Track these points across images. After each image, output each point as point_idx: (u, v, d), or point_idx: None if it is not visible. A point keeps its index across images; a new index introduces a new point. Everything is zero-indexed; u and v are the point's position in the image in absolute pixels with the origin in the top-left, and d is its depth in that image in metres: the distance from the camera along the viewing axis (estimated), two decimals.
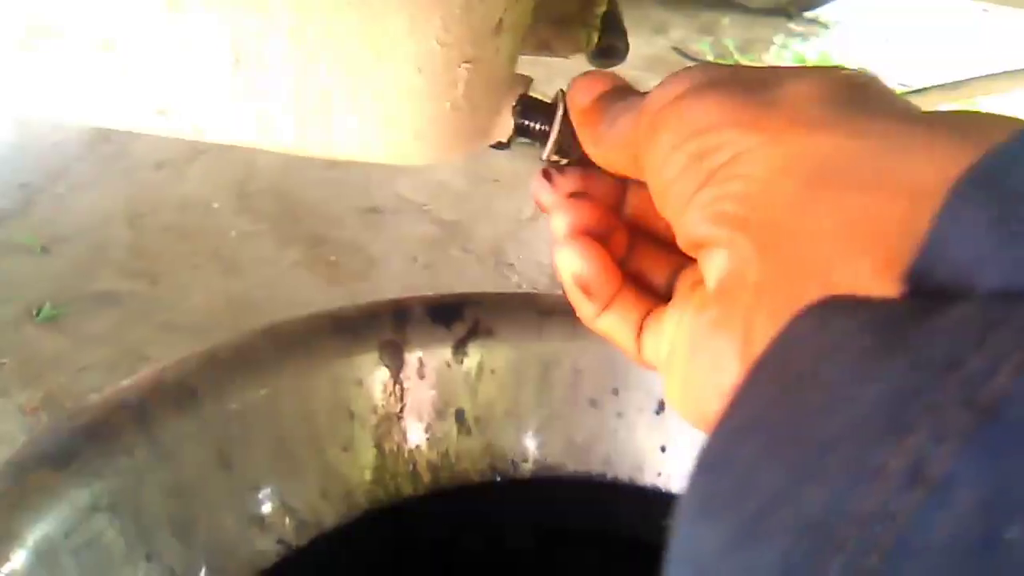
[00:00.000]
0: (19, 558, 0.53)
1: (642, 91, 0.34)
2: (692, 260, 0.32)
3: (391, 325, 0.70)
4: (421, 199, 1.91)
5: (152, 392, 0.62)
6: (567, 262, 0.35)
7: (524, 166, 2.02)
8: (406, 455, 0.71)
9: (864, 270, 0.23)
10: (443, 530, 0.73)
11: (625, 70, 0.48)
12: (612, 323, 0.35)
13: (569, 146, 0.38)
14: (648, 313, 0.35)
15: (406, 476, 0.71)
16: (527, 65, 0.43)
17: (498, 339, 0.71)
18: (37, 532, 0.54)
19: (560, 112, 0.38)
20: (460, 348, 0.71)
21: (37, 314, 1.52)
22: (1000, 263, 0.20)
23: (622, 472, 0.73)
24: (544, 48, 0.52)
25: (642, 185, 0.33)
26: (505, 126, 0.40)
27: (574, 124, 0.36)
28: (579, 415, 0.72)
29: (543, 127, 0.39)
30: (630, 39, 0.54)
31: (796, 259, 0.25)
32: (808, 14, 3.29)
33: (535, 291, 1.64)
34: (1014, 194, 0.20)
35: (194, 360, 0.65)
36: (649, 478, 0.72)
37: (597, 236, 0.35)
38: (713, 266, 0.28)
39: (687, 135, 0.29)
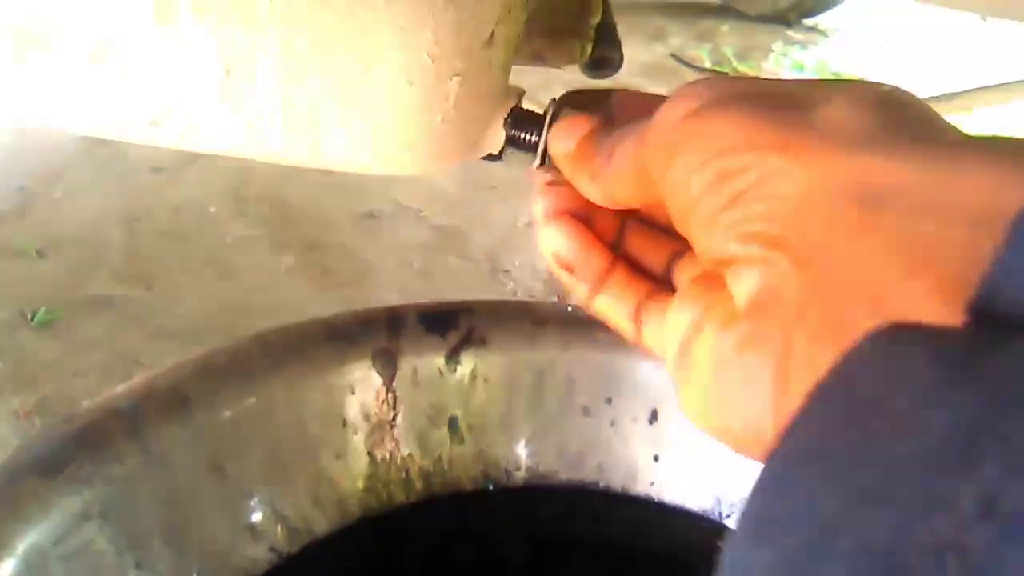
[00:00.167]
0: (8, 566, 0.53)
1: (621, 126, 0.33)
2: (689, 248, 0.31)
3: (385, 333, 0.70)
4: (417, 205, 1.91)
5: (144, 399, 0.62)
6: (547, 241, 0.36)
7: (520, 173, 2.01)
8: (399, 463, 0.71)
9: (922, 296, 0.23)
10: (436, 538, 0.73)
11: (623, 77, 0.48)
12: (607, 305, 0.35)
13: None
14: (647, 297, 0.35)
15: (399, 484, 0.71)
16: (526, 72, 0.44)
17: (492, 347, 0.72)
18: (27, 540, 0.54)
19: (548, 122, 0.38)
20: (453, 356, 0.71)
21: (32, 318, 1.52)
22: None
23: (615, 481, 0.73)
24: (538, 59, 0.52)
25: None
26: (497, 138, 0.40)
27: (563, 171, 0.36)
28: (572, 424, 0.72)
29: (534, 138, 0.39)
30: (628, 46, 0.54)
31: (841, 281, 0.25)
32: (807, 22, 3.30)
33: (530, 299, 1.64)
34: None
35: (186, 367, 0.65)
36: (642, 487, 0.72)
37: (579, 217, 0.35)
38: (743, 283, 0.27)
39: (708, 156, 0.28)
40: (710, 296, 0.30)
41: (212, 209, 1.87)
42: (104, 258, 1.70)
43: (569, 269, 0.35)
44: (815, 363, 0.25)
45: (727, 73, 2.85)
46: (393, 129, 0.36)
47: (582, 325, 0.73)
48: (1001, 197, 0.23)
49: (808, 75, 2.91)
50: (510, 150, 0.41)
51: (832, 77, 2.89)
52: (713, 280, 0.30)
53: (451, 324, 0.72)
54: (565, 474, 0.73)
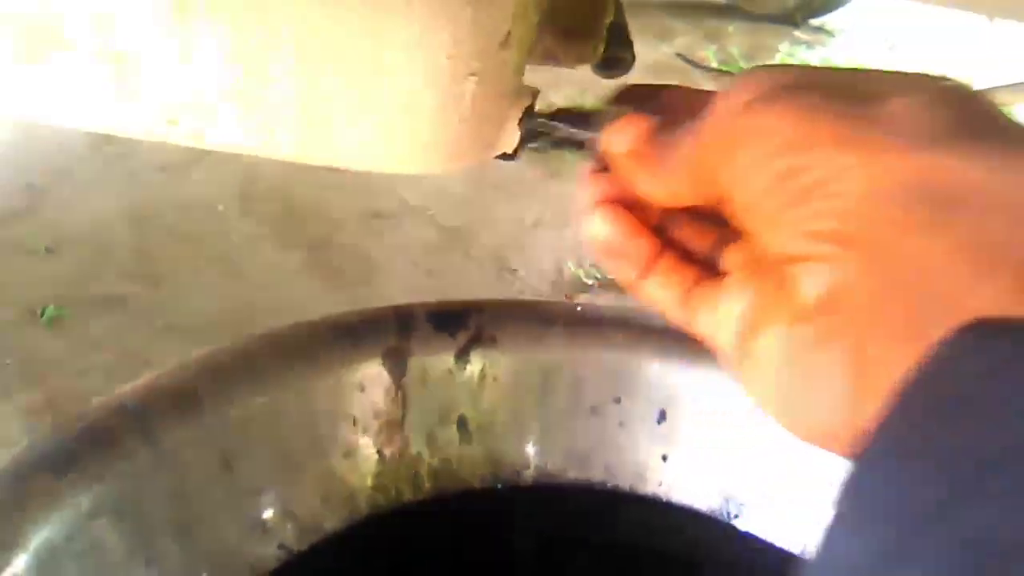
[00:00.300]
0: (20, 563, 0.53)
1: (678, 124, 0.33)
2: (737, 234, 0.32)
3: (394, 332, 0.70)
4: (424, 204, 1.91)
5: (154, 397, 0.62)
6: (595, 229, 0.35)
7: (527, 173, 2.02)
8: (408, 462, 0.71)
9: (997, 294, 0.23)
10: (444, 537, 0.73)
11: (629, 77, 0.48)
12: (656, 290, 0.35)
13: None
14: (695, 283, 0.35)
15: (407, 482, 0.71)
16: (530, 70, 0.44)
17: (501, 347, 0.72)
18: (39, 537, 0.54)
19: (601, 120, 0.38)
20: (463, 355, 0.71)
21: (41, 315, 1.52)
22: None
23: (623, 481, 0.73)
24: (550, 59, 0.52)
25: None
26: (512, 137, 0.40)
27: (620, 169, 0.36)
28: (580, 423, 0.72)
29: (578, 134, 0.39)
30: (635, 46, 0.54)
31: (914, 280, 0.25)
32: (814, 21, 3.29)
33: (538, 299, 1.64)
34: None
35: (196, 365, 0.65)
36: (650, 487, 0.72)
37: (624, 203, 0.35)
38: (812, 280, 0.27)
39: (769, 152, 0.28)
40: (767, 286, 0.30)
41: (220, 208, 1.88)
42: (112, 256, 1.71)
43: (617, 256, 0.35)
44: (891, 360, 0.25)
45: (733, 73, 2.85)
46: (409, 129, 0.36)
47: (591, 325, 0.73)
48: None
49: None
50: (534, 144, 0.41)
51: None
52: (769, 269, 0.30)
53: (460, 323, 0.72)
54: (573, 473, 0.73)
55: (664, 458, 0.72)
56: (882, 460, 0.23)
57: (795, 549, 0.68)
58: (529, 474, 0.73)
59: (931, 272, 0.25)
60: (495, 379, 0.72)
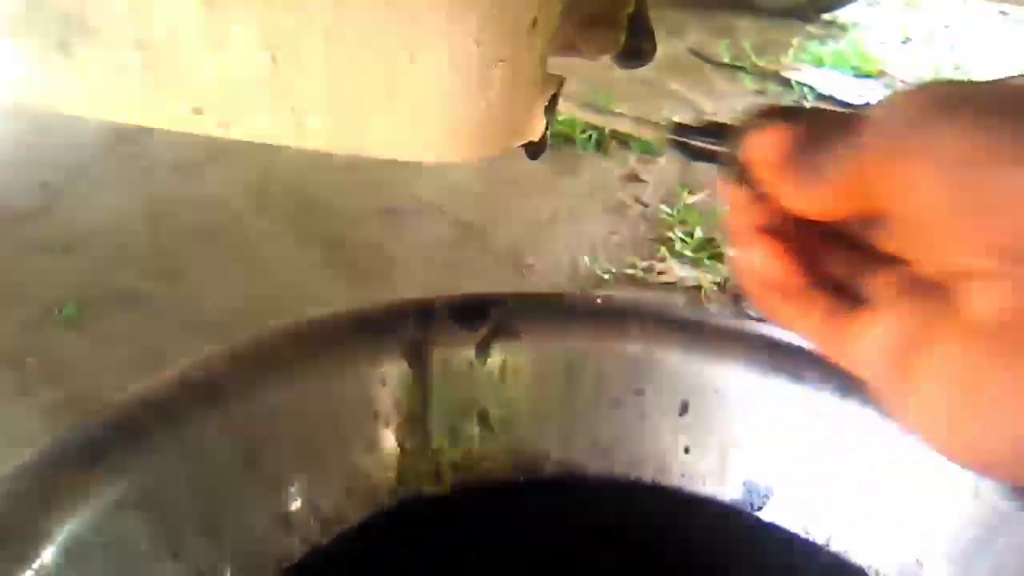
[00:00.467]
0: (49, 555, 0.53)
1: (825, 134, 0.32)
2: (885, 261, 0.31)
3: (415, 325, 0.70)
4: (438, 200, 1.92)
5: (179, 390, 0.62)
6: (752, 260, 0.35)
7: (541, 168, 2.02)
8: (429, 455, 0.71)
9: None
10: (465, 530, 0.73)
11: (642, 71, 0.48)
12: (802, 318, 0.35)
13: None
14: (837, 308, 0.34)
15: (429, 476, 0.71)
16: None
17: (522, 340, 0.71)
18: (66, 529, 0.54)
19: (741, 132, 0.37)
20: (484, 348, 0.71)
21: (59, 313, 1.53)
22: None
23: (645, 473, 0.73)
24: (570, 49, 0.52)
25: None
26: (538, 125, 0.40)
27: (765, 180, 0.35)
28: (603, 416, 0.72)
29: (714, 148, 0.39)
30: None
31: None
32: (826, 16, 3.28)
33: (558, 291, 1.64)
34: None
35: (220, 358, 0.65)
36: (673, 479, 0.72)
37: (769, 231, 0.35)
38: (987, 297, 0.27)
39: (941, 167, 0.27)
40: (928, 306, 0.30)
41: (236, 205, 1.88)
42: (129, 254, 1.71)
43: (772, 288, 0.35)
44: None
45: (746, 68, 2.84)
46: (439, 116, 0.36)
47: (612, 317, 0.73)
48: None
49: (827, 69, 2.90)
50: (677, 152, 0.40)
51: (867, 72, 2.88)
52: (929, 288, 0.29)
53: (481, 316, 0.72)
54: (595, 466, 0.73)
55: (687, 450, 0.72)
56: None
57: (819, 540, 0.68)
58: (551, 467, 0.73)
59: None
60: (516, 372, 0.72)
